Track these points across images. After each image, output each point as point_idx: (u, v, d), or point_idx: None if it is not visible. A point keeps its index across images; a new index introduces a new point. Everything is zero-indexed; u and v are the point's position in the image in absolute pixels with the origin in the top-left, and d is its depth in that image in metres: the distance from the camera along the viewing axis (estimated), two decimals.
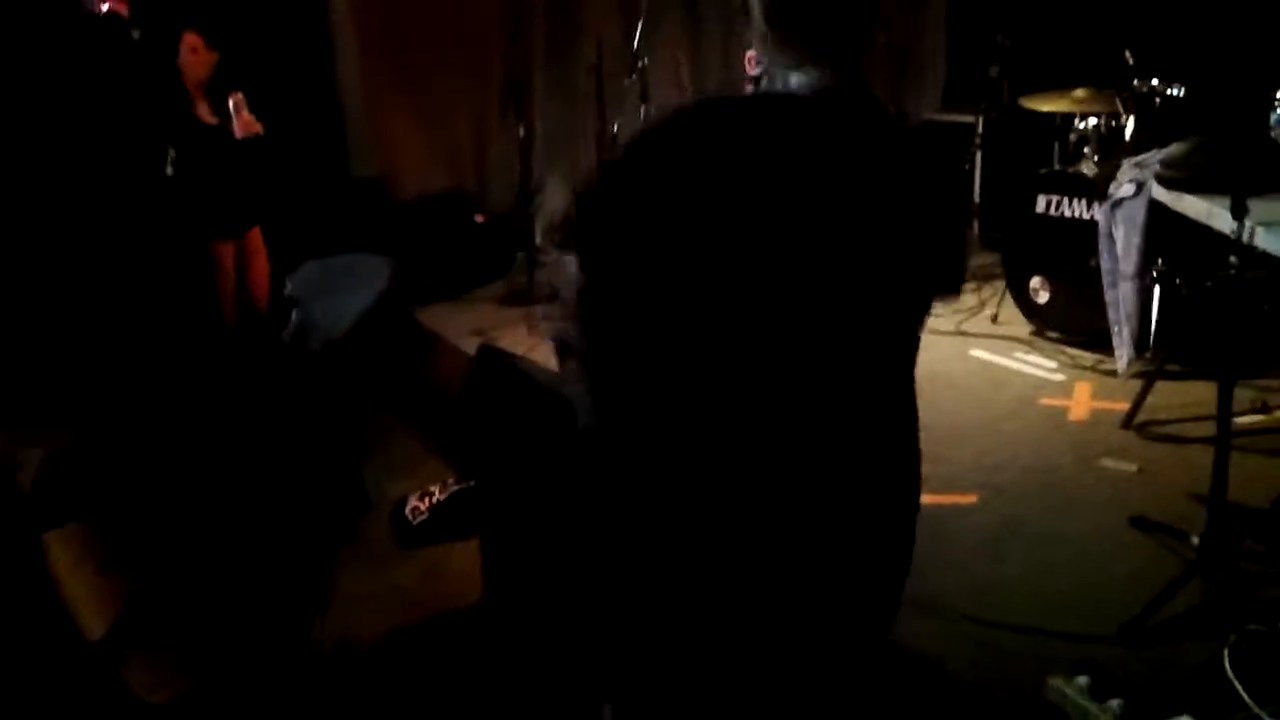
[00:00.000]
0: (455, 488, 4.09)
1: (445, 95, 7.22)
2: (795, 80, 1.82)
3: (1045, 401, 4.89)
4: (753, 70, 5.78)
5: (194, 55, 4.65)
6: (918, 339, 1.96)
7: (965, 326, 5.84)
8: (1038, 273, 5.54)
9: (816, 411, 1.82)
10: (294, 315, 4.69)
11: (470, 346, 4.85)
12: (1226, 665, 2.96)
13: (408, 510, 4.06)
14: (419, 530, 4.00)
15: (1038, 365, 5.31)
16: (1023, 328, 5.68)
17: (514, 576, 2.82)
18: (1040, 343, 5.55)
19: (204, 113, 4.75)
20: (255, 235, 5.09)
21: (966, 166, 7.46)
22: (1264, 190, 3.42)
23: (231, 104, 4.71)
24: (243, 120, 4.71)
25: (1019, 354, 5.45)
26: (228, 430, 3.71)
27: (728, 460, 1.81)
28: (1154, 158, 4.10)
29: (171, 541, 3.20)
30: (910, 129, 1.85)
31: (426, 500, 4.07)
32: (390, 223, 6.70)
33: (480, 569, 3.12)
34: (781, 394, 1.80)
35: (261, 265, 5.11)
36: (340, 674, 3.34)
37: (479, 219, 7.02)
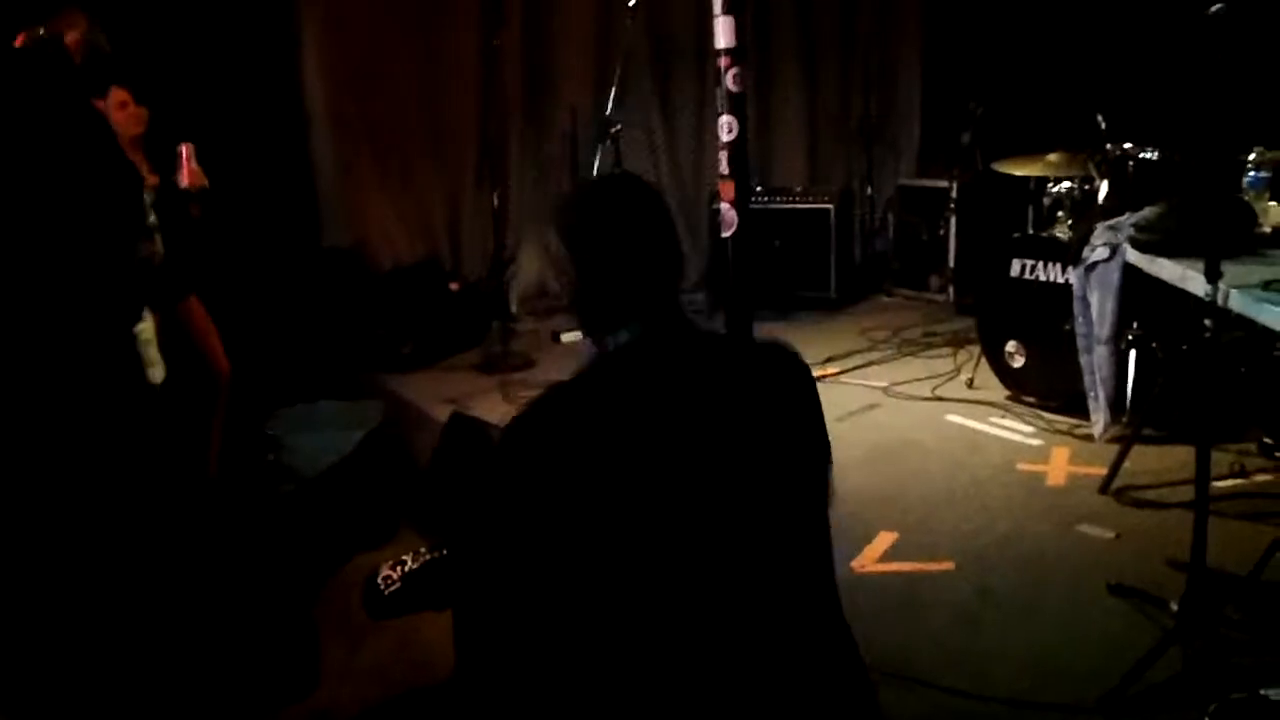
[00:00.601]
0: (428, 556, 4.02)
1: (418, 164, 7.23)
2: (623, 337, 1.92)
3: (1022, 466, 4.84)
4: (726, 136, 5.80)
5: (121, 111, 4.50)
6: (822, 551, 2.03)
7: (941, 391, 5.82)
8: (1013, 337, 5.52)
9: (743, 649, 1.86)
10: (270, 456, 4.67)
11: (444, 415, 4.84)
12: None
13: (380, 579, 3.96)
14: (391, 600, 3.91)
15: (1014, 430, 5.27)
16: (999, 392, 5.65)
17: (481, 647, 2.75)
18: (1016, 407, 5.52)
19: (141, 171, 4.58)
20: (194, 308, 4.64)
21: (940, 233, 7.49)
22: (1237, 253, 3.41)
23: (183, 153, 4.50)
24: (189, 171, 4.49)
25: (995, 419, 5.42)
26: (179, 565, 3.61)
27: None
28: (1127, 221, 4.10)
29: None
30: (740, 342, 1.97)
31: (399, 569, 3.98)
32: (365, 292, 6.68)
33: (452, 639, 3.05)
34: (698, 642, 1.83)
35: (208, 340, 4.66)
36: None
37: (453, 287, 7.01)
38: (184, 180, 4.48)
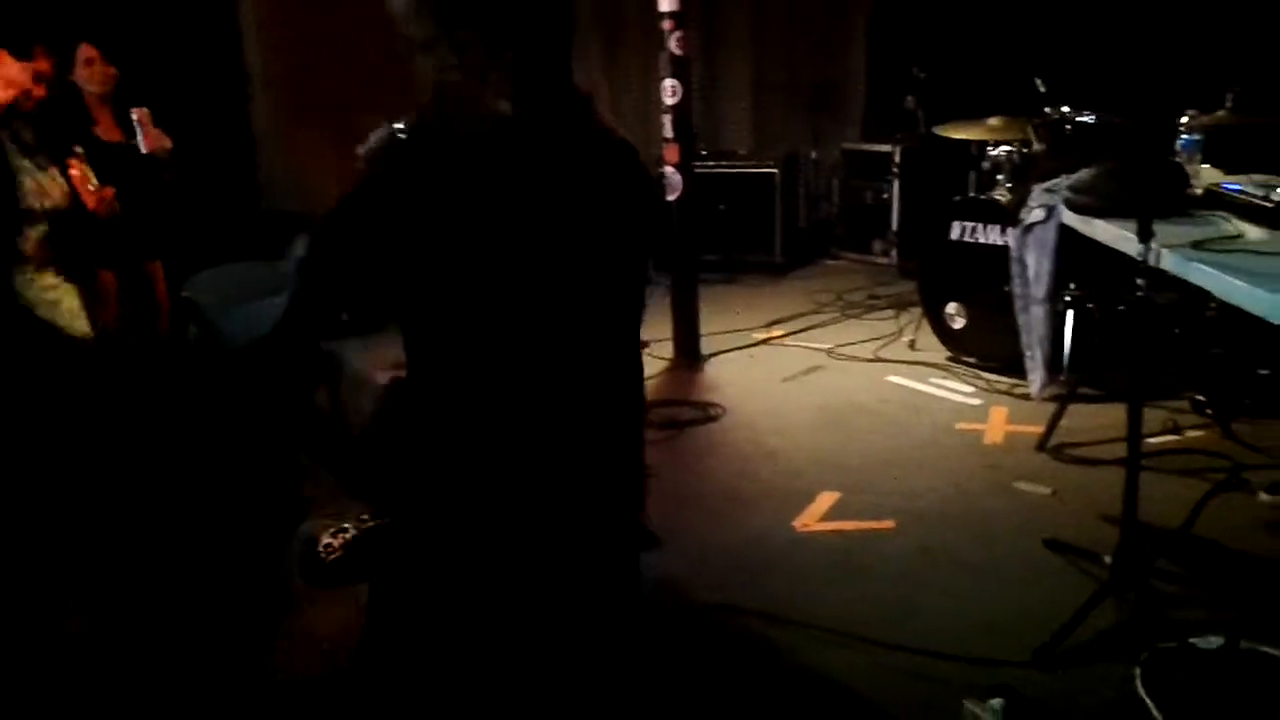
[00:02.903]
0: (370, 524, 4.02)
1: (362, 125, 7.15)
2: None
3: (961, 426, 4.92)
4: (670, 100, 5.82)
5: (89, 68, 4.48)
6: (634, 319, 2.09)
7: (883, 353, 5.88)
8: (953, 299, 5.59)
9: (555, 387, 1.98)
10: (193, 327, 4.60)
11: (384, 380, 4.82)
12: (1139, 684, 2.97)
13: (321, 547, 3.97)
14: (332, 569, 3.92)
15: (954, 390, 5.35)
16: (939, 353, 5.73)
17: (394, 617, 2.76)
18: (957, 368, 5.60)
19: (106, 130, 4.57)
20: (156, 272, 4.68)
21: (884, 197, 7.55)
22: (1170, 214, 3.46)
23: (136, 118, 4.44)
24: (150, 135, 4.47)
25: (936, 379, 5.50)
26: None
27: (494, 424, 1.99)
28: (1064, 183, 4.14)
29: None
30: (603, 138, 1.99)
31: (340, 537, 3.98)
32: None
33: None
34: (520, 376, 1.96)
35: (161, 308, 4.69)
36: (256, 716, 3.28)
37: None
38: (147, 145, 4.43)
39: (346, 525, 4.04)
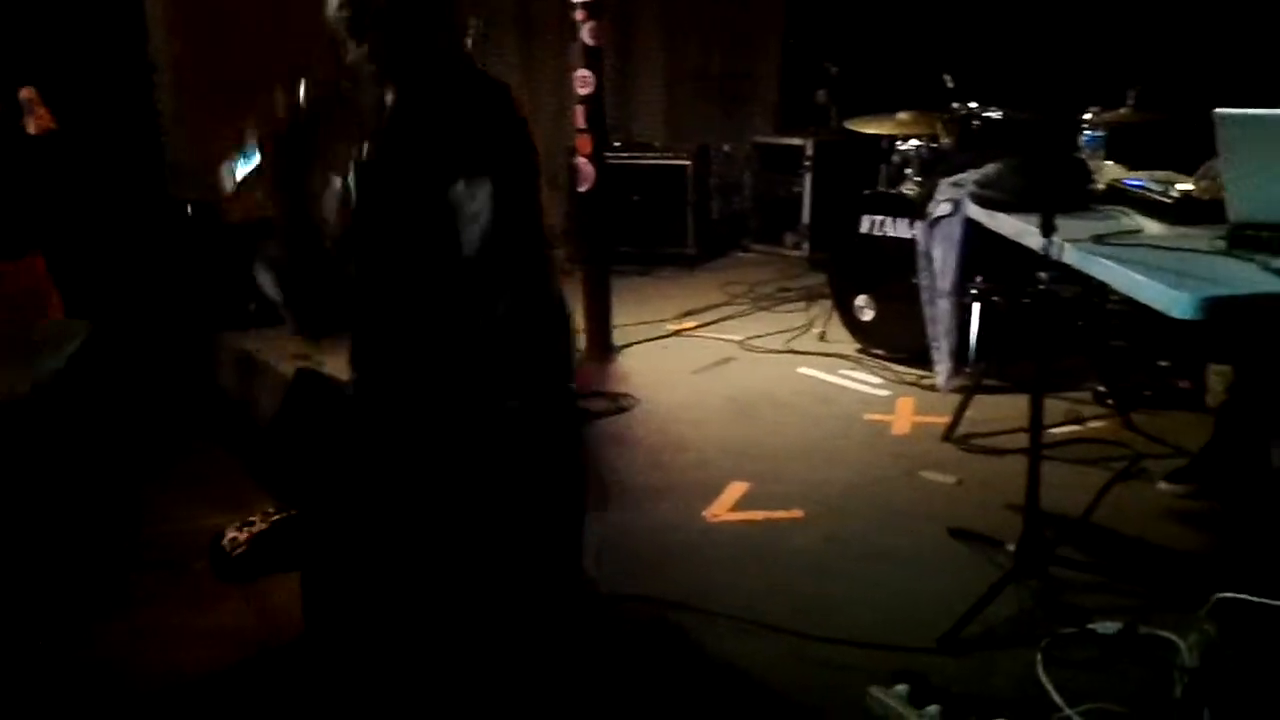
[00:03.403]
0: (276, 517, 3.98)
1: (271, 117, 7.07)
2: None
3: (870, 417, 4.97)
4: (582, 90, 5.81)
5: None
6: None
7: (794, 345, 5.93)
8: (863, 291, 5.65)
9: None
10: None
11: (291, 370, 4.77)
12: (1039, 668, 3.03)
13: (225, 542, 3.93)
14: (238, 563, 3.88)
15: (863, 382, 5.41)
16: (849, 345, 5.79)
17: (334, 607, 2.75)
18: (866, 359, 5.66)
19: None
20: (38, 267, 4.46)
21: (796, 190, 7.61)
22: (1072, 209, 3.53)
23: (23, 97, 4.32)
24: (36, 115, 4.33)
25: (845, 371, 5.55)
26: None
27: None
28: (970, 178, 4.20)
29: None
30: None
31: (246, 531, 3.94)
32: (214, 246, 6.53)
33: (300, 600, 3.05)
34: None
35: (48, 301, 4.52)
36: (166, 711, 3.24)
37: None
38: (33, 127, 4.31)
39: (253, 519, 4.02)
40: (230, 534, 3.92)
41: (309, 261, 2.49)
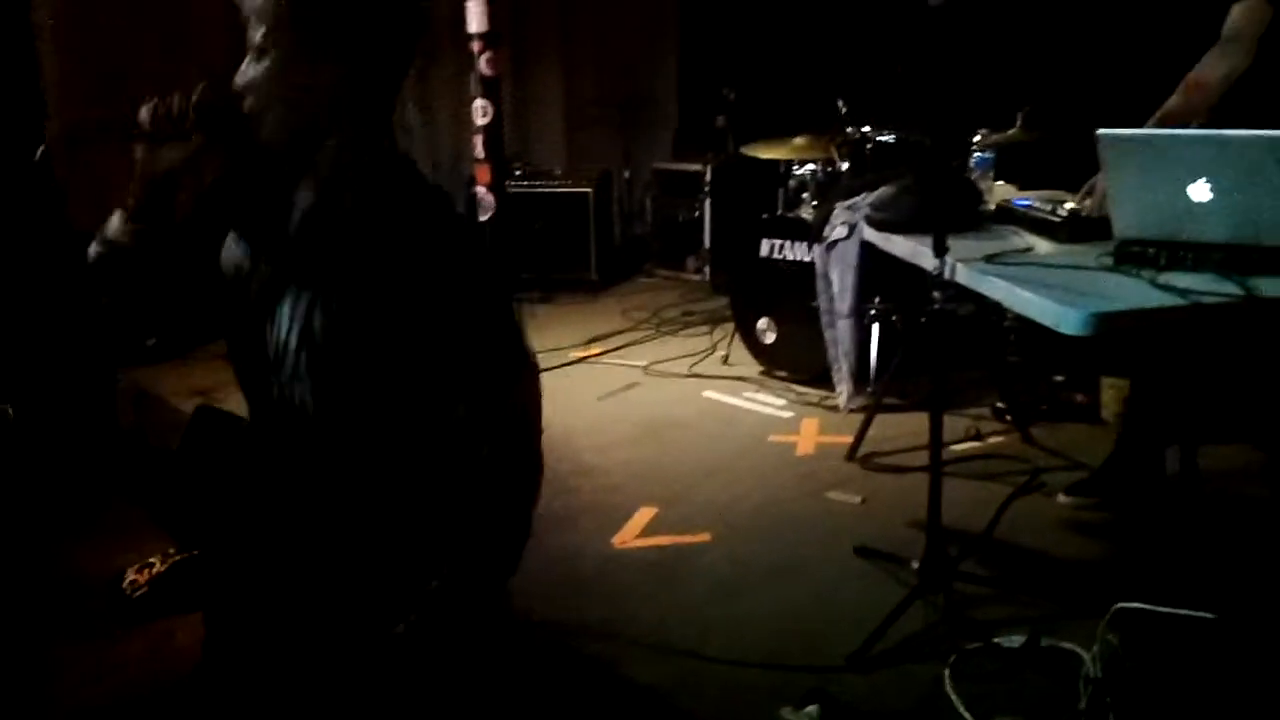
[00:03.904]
0: (177, 558, 3.91)
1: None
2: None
3: (774, 438, 5.01)
4: (480, 120, 5.82)
5: None
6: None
7: (698, 369, 5.96)
8: (765, 314, 5.70)
9: None
10: None
11: (191, 407, 4.70)
12: (947, 683, 3.08)
13: (125, 584, 3.85)
14: (138, 605, 3.81)
15: (767, 403, 5.45)
16: (753, 368, 5.83)
17: (236, 645, 2.71)
18: (769, 382, 5.70)
19: None
20: None
21: (696, 214, 7.65)
22: (964, 229, 3.59)
23: None
24: None
25: (749, 393, 5.59)
26: None
27: None
28: (865, 201, 4.27)
29: None
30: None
31: (145, 572, 3.87)
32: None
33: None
34: None
35: None
36: None
37: None
38: None
39: (153, 560, 3.94)
40: (130, 576, 3.85)
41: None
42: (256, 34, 1.91)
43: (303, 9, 1.85)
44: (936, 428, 3.42)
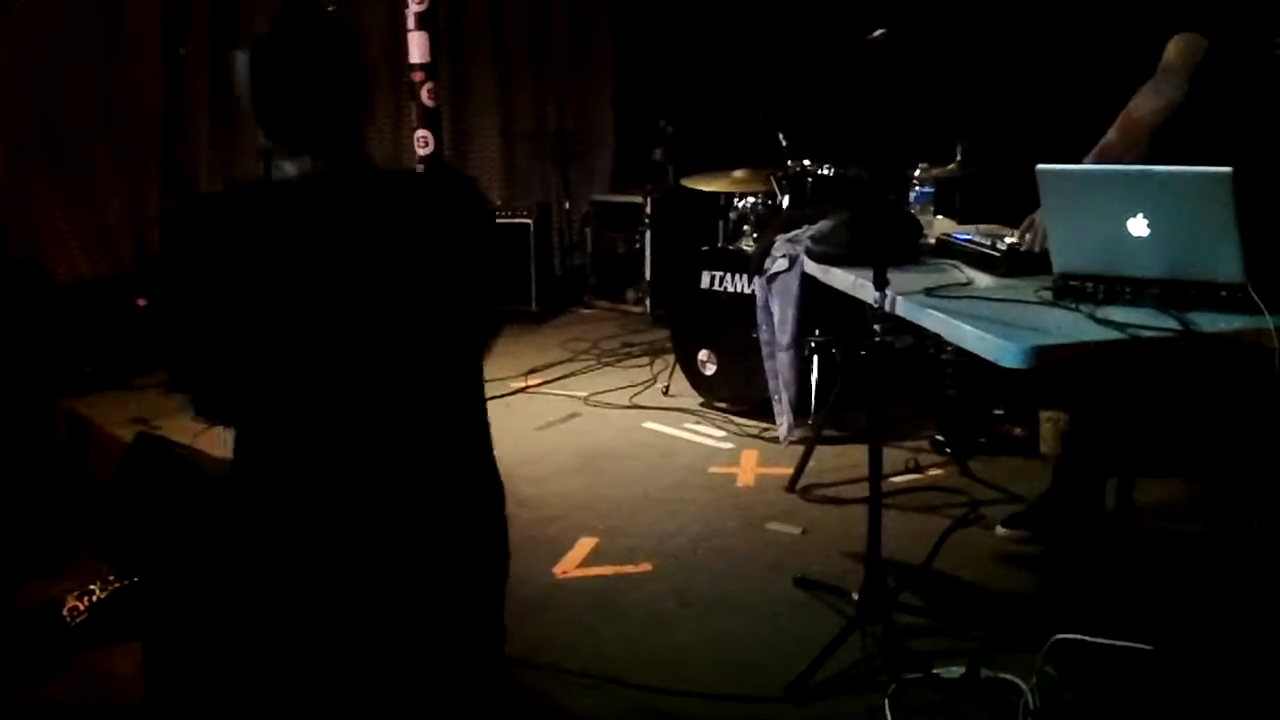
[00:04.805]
0: (116, 585, 3.85)
1: (101, 175, 6.93)
2: (289, 168, 2.14)
3: (714, 470, 5.02)
4: (422, 150, 5.80)
5: None
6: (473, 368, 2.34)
7: (638, 400, 5.96)
8: (705, 346, 5.71)
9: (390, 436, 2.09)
10: None
11: (130, 435, 4.63)
12: (887, 714, 3.08)
13: (65, 611, 3.78)
14: (78, 633, 3.74)
15: (707, 435, 5.46)
16: (693, 399, 5.84)
17: (177, 675, 2.67)
18: (709, 413, 5.71)
19: None
20: None
21: (636, 246, 7.67)
22: (903, 262, 3.63)
23: None
24: None
25: (689, 425, 5.60)
26: None
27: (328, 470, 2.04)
28: (805, 233, 4.29)
29: None
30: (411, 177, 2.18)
31: (86, 599, 3.81)
32: (46, 307, 6.34)
33: (142, 671, 2.95)
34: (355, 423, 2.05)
35: None
36: None
37: (140, 303, 6.71)
38: None
39: (93, 588, 3.87)
40: (70, 603, 3.78)
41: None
42: None
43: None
44: (876, 460, 3.44)
